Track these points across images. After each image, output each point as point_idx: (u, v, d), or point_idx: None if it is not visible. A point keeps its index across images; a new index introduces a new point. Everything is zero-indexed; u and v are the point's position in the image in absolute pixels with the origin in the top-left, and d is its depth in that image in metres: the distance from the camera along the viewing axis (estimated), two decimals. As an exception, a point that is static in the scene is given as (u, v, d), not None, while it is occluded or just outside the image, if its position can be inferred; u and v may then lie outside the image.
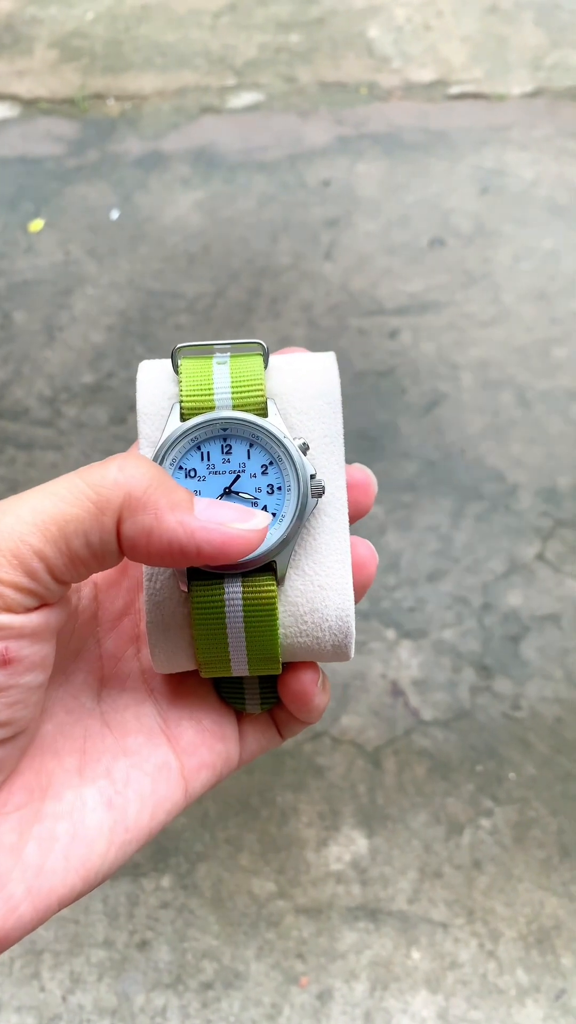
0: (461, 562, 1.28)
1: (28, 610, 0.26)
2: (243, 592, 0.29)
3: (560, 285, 1.67)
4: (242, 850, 1.05)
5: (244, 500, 0.29)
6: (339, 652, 0.31)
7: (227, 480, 0.29)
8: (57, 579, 0.26)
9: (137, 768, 0.30)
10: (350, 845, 1.05)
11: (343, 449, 0.31)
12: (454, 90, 2.16)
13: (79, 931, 1.00)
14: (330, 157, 1.98)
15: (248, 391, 0.30)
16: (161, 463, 0.29)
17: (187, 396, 0.29)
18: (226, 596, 0.29)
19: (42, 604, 0.26)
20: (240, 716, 0.34)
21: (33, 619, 0.26)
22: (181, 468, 0.29)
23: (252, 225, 1.82)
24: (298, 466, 0.29)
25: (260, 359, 0.31)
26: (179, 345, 0.31)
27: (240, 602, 0.29)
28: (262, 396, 0.30)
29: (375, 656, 1.19)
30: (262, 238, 1.80)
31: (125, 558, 0.28)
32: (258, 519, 0.28)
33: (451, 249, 1.75)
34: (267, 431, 0.29)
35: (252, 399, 0.30)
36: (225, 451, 0.29)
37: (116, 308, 1.67)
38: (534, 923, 0.99)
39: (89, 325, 1.65)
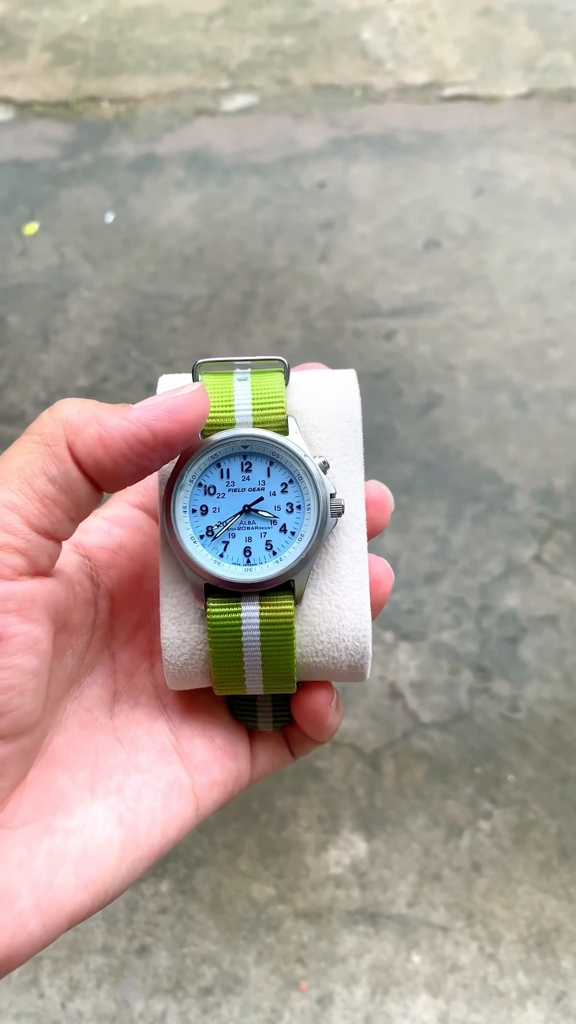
0: (458, 564, 1.28)
1: (17, 574, 0.25)
2: (260, 611, 0.29)
3: (555, 286, 1.67)
4: (241, 854, 1.04)
5: (264, 519, 0.29)
6: (355, 672, 0.31)
7: (246, 497, 0.29)
8: (35, 528, 0.25)
9: (149, 785, 0.29)
10: (349, 849, 1.04)
11: (363, 468, 0.31)
12: (448, 92, 2.16)
13: (78, 937, 0.99)
14: (324, 159, 1.98)
15: (269, 409, 0.29)
16: (180, 479, 0.29)
17: (213, 412, 0.29)
18: (243, 614, 0.29)
19: (32, 573, 0.26)
20: (252, 734, 0.33)
21: (18, 588, 0.25)
22: (201, 485, 0.29)
23: (247, 227, 1.82)
24: (318, 485, 0.29)
25: (281, 376, 0.30)
26: (200, 361, 0.31)
27: (257, 620, 0.29)
28: (283, 414, 0.30)
29: (373, 659, 1.19)
30: (257, 240, 1.80)
31: (104, 494, 0.28)
32: (188, 386, 0.28)
33: (446, 251, 1.76)
34: (288, 449, 0.29)
35: (273, 417, 0.29)
36: (245, 468, 0.29)
37: (111, 311, 1.67)
38: (534, 926, 0.99)
39: (84, 328, 1.64)
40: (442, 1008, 0.94)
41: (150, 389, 1.53)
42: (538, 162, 1.94)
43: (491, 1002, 0.94)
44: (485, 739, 1.12)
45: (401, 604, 1.24)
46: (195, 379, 0.31)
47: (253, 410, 0.29)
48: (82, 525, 0.33)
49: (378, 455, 1.41)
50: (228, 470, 0.29)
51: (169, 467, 0.30)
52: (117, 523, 0.34)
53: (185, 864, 1.04)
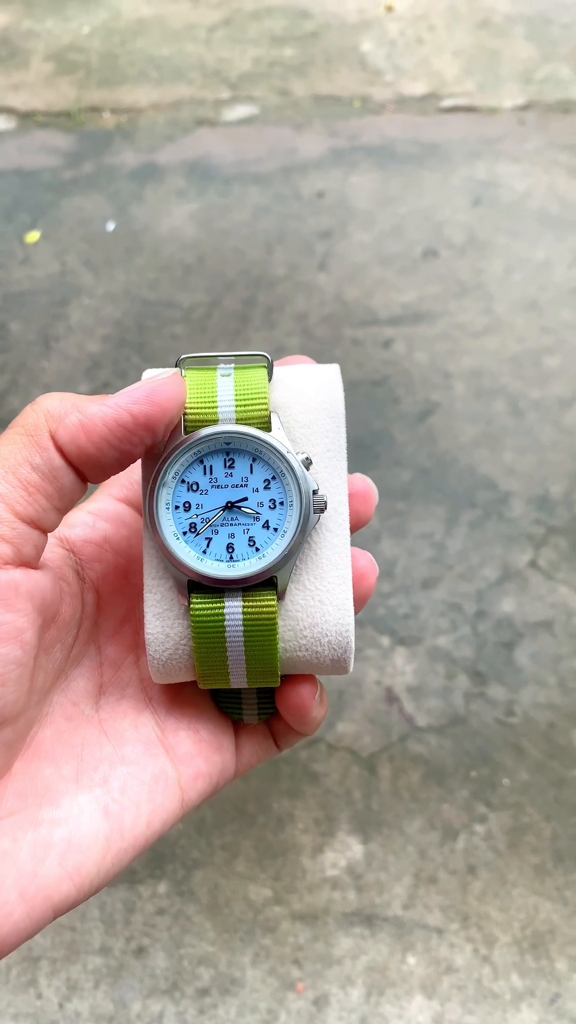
0: (455, 569, 1.30)
1: (2, 562, 0.25)
2: (243, 606, 0.29)
3: (551, 295, 1.69)
4: (238, 856, 1.05)
5: (247, 515, 0.29)
6: (338, 666, 0.31)
7: (229, 494, 0.29)
8: (20, 516, 0.26)
9: (134, 777, 0.30)
10: (345, 851, 1.05)
11: (346, 463, 0.32)
12: (446, 103, 2.18)
13: (76, 938, 1.00)
14: (324, 169, 2.00)
15: (252, 405, 0.30)
16: (163, 475, 0.29)
17: (191, 409, 0.29)
18: (226, 610, 0.29)
19: (17, 562, 0.26)
20: (237, 727, 0.34)
21: (1, 577, 0.25)
22: (184, 481, 0.29)
23: (247, 236, 1.84)
24: (300, 481, 0.29)
25: (264, 371, 0.31)
26: (183, 356, 0.31)
27: (240, 616, 0.29)
28: (266, 410, 0.30)
29: (370, 663, 1.20)
30: (257, 249, 1.81)
31: (90, 484, 0.28)
32: (163, 372, 0.29)
33: (444, 260, 1.77)
34: (270, 446, 0.29)
35: (256, 413, 0.30)
36: (228, 465, 0.29)
37: (112, 318, 1.69)
38: (528, 928, 1.00)
39: (85, 335, 1.66)
40: (437, 1009, 0.95)
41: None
42: (535, 172, 1.96)
43: (485, 1003, 0.95)
44: (481, 743, 1.13)
45: (398, 609, 1.25)
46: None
47: (236, 406, 0.30)
48: (67, 519, 0.33)
49: (376, 461, 1.43)
50: (211, 466, 0.29)
51: (152, 463, 0.30)
52: (102, 517, 0.34)
53: (183, 866, 1.05)
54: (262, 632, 0.29)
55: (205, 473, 0.29)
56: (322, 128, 2.12)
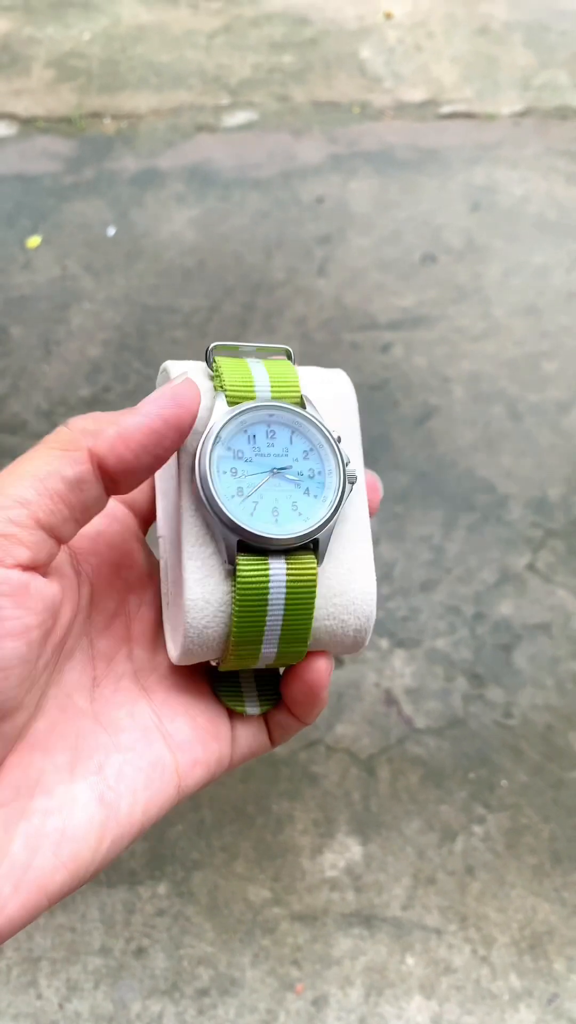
0: (453, 572, 1.30)
1: (17, 564, 0.26)
2: (287, 569, 0.30)
3: (549, 300, 1.70)
4: (237, 857, 1.06)
5: (290, 481, 0.31)
6: (359, 637, 0.32)
7: (272, 462, 0.30)
8: (41, 524, 0.26)
9: (130, 764, 0.30)
10: (344, 852, 1.06)
11: (361, 447, 0.33)
12: (445, 109, 2.20)
13: (76, 939, 1.01)
14: (323, 175, 2.01)
15: (286, 387, 0.32)
16: (214, 443, 0.30)
17: (231, 387, 0.31)
18: (271, 571, 0.29)
19: (32, 566, 0.27)
20: (232, 718, 0.34)
21: (13, 576, 0.26)
22: (229, 448, 0.30)
23: (246, 241, 1.85)
24: (338, 453, 0.31)
25: (290, 363, 0.33)
26: (214, 344, 0.32)
27: (284, 578, 0.29)
28: (299, 392, 0.32)
29: (369, 665, 1.21)
30: (256, 254, 1.82)
31: (109, 498, 0.29)
32: (178, 376, 0.30)
33: (442, 265, 1.78)
34: (310, 419, 0.31)
35: (289, 394, 0.32)
36: (270, 436, 0.31)
37: (112, 323, 1.69)
38: (526, 929, 1.00)
39: (86, 339, 1.67)
40: (435, 1010, 0.95)
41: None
42: (533, 178, 1.98)
43: (484, 1004, 0.96)
44: (479, 745, 1.14)
45: (396, 611, 1.26)
46: (208, 362, 0.32)
47: (271, 388, 0.31)
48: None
49: (374, 465, 1.43)
50: (254, 435, 0.31)
51: (191, 436, 0.31)
52: (100, 516, 0.34)
53: (182, 867, 1.05)
54: (303, 595, 0.30)
55: (249, 442, 0.30)
56: (321, 134, 2.13)
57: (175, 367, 0.32)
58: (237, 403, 0.31)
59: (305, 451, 0.31)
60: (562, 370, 1.57)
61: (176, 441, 0.29)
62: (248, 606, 0.29)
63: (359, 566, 0.32)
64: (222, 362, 0.32)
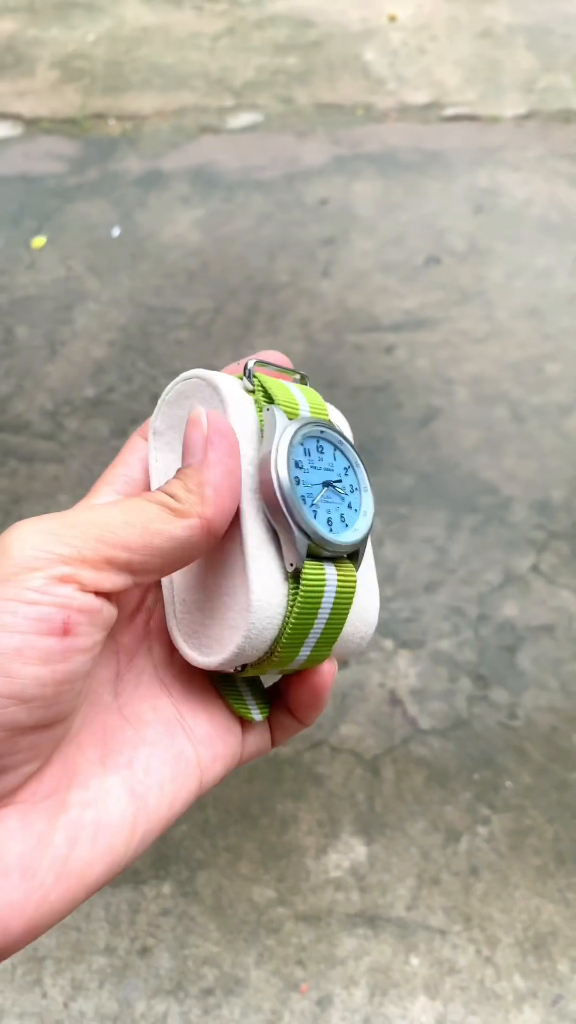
0: (457, 573, 1.31)
1: (98, 593, 0.27)
2: (337, 575, 0.31)
3: (552, 302, 1.70)
4: (242, 858, 1.06)
5: (338, 494, 0.33)
6: (363, 642, 0.34)
7: (323, 475, 0.32)
8: (133, 571, 0.28)
9: (157, 758, 0.30)
10: (349, 852, 1.06)
11: None
12: (448, 112, 2.20)
13: (81, 938, 1.01)
14: (327, 177, 2.01)
15: (319, 410, 0.34)
16: (288, 451, 0.31)
17: (284, 402, 0.33)
18: (327, 577, 0.31)
19: (108, 594, 0.28)
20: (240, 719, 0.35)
21: (95, 602, 0.27)
22: (293, 459, 0.32)
23: (250, 243, 1.86)
24: (367, 473, 0.34)
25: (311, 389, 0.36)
26: (256, 360, 0.34)
27: (335, 583, 0.31)
28: (327, 415, 0.34)
29: (373, 666, 1.21)
30: (260, 255, 1.83)
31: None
32: (201, 414, 0.31)
33: (445, 267, 1.79)
34: (348, 440, 0.34)
35: (323, 416, 0.34)
36: (319, 451, 0.33)
37: (117, 323, 1.70)
38: (531, 929, 1.00)
39: (90, 340, 1.67)
40: (440, 1010, 0.95)
41: (155, 400, 1.55)
42: (536, 181, 1.98)
43: (488, 1004, 0.96)
44: (483, 746, 1.14)
45: (400, 613, 1.26)
46: (250, 377, 0.33)
47: (310, 408, 0.33)
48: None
49: (378, 466, 1.44)
50: (309, 449, 0.32)
51: (245, 445, 0.32)
52: None
53: (187, 867, 1.05)
54: (346, 600, 0.32)
55: (305, 454, 0.32)
56: (325, 136, 2.14)
57: (222, 381, 0.33)
58: (293, 418, 0.32)
59: (345, 467, 0.33)
60: (565, 372, 1.58)
61: (239, 466, 0.31)
62: (307, 608, 0.31)
63: (367, 577, 0.34)
64: (265, 379, 0.33)
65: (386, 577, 1.30)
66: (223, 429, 0.30)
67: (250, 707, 0.34)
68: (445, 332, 1.66)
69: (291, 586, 0.31)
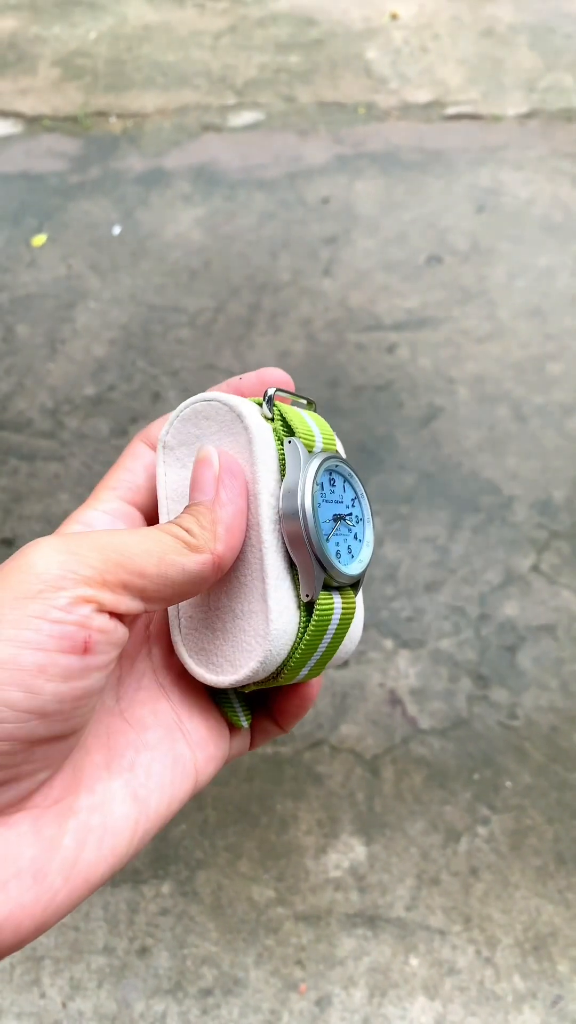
0: (458, 573, 1.30)
1: (114, 615, 0.28)
2: (342, 604, 0.33)
3: (554, 302, 1.70)
4: (241, 857, 1.06)
5: (347, 527, 0.34)
6: (347, 655, 0.36)
7: (335, 508, 0.34)
8: (145, 598, 0.29)
9: (157, 761, 0.32)
10: (348, 852, 1.06)
11: None
12: (450, 111, 2.20)
13: (79, 938, 1.00)
14: (329, 175, 2.01)
15: (330, 439, 0.35)
16: (313, 488, 0.32)
17: (303, 435, 0.34)
18: (334, 605, 0.33)
19: (124, 616, 0.29)
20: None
21: (111, 623, 0.28)
22: (315, 495, 0.33)
23: (252, 241, 1.85)
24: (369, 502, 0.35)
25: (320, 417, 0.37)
26: (275, 390, 0.35)
27: (340, 611, 0.33)
28: (335, 444, 0.36)
29: (373, 666, 1.21)
30: (262, 254, 1.83)
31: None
32: (209, 453, 0.33)
33: (448, 266, 1.79)
34: (355, 472, 0.36)
35: (333, 446, 0.35)
36: (332, 484, 0.34)
37: (118, 322, 1.70)
38: (531, 930, 1.00)
39: (91, 338, 1.67)
40: (439, 1011, 0.95)
41: (156, 399, 1.55)
42: (539, 180, 1.98)
43: (487, 1005, 0.95)
44: (483, 746, 1.14)
45: (401, 612, 1.26)
46: (271, 406, 0.34)
47: (323, 440, 0.35)
48: (82, 519, 0.35)
49: (380, 465, 1.43)
50: (323, 483, 0.33)
51: (268, 476, 0.33)
52: (119, 518, 0.35)
53: (186, 866, 1.05)
54: (346, 624, 0.34)
55: (320, 488, 0.33)
56: (327, 135, 2.13)
57: (246, 409, 0.33)
58: (310, 450, 0.34)
59: (353, 498, 0.35)
60: (567, 372, 1.57)
61: (247, 504, 0.32)
62: (317, 636, 0.33)
63: (358, 609, 0.36)
64: (284, 408, 0.34)
65: (387, 576, 1.30)
66: (234, 470, 0.32)
67: (239, 715, 0.35)
68: (447, 331, 1.65)
69: (303, 615, 0.32)
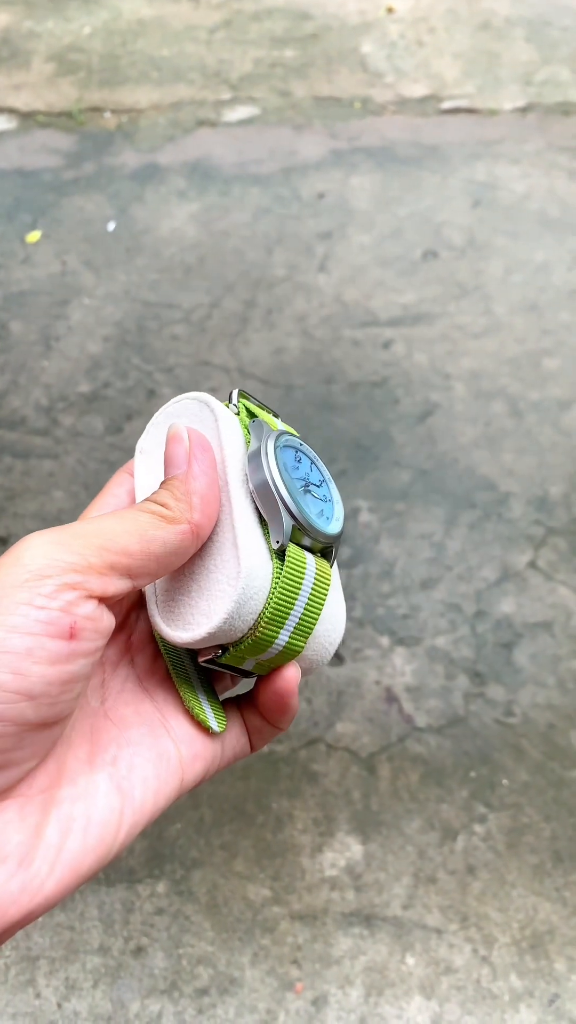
0: (454, 570, 1.30)
1: (102, 600, 0.29)
2: (316, 565, 0.34)
3: (550, 297, 1.69)
4: (237, 856, 1.05)
5: (315, 499, 0.36)
6: (331, 647, 0.37)
7: (304, 478, 0.36)
8: (132, 575, 0.30)
9: (140, 756, 0.32)
10: (345, 851, 1.05)
11: None
12: (446, 105, 2.19)
13: (74, 938, 1.00)
14: (324, 170, 2.00)
15: (294, 433, 0.38)
16: (277, 443, 0.35)
17: (267, 420, 0.37)
18: (307, 561, 0.34)
19: (109, 601, 0.30)
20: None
21: (97, 610, 0.29)
22: (279, 452, 0.35)
23: (247, 237, 1.84)
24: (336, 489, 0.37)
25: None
26: (239, 390, 0.38)
27: (314, 571, 0.34)
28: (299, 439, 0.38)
29: (369, 663, 1.20)
30: (257, 250, 1.82)
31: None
32: (180, 428, 0.35)
33: (443, 261, 1.78)
34: (319, 459, 0.38)
35: (297, 438, 0.38)
36: (298, 460, 0.36)
37: (112, 319, 1.69)
38: (527, 928, 1.00)
39: (86, 335, 1.66)
40: (436, 1010, 0.95)
41: (151, 396, 1.54)
42: (535, 174, 1.97)
43: (484, 1004, 0.95)
44: (480, 743, 1.13)
45: (397, 609, 1.25)
46: (232, 401, 0.37)
47: (286, 430, 0.37)
48: None
49: (375, 462, 1.43)
50: (289, 456, 0.36)
51: (234, 447, 0.35)
52: None
53: (181, 865, 1.05)
54: (321, 588, 0.34)
55: (288, 458, 0.35)
56: (322, 129, 2.12)
57: (211, 399, 0.37)
58: (273, 428, 0.36)
59: (320, 480, 0.37)
60: (563, 368, 1.57)
61: (217, 476, 0.34)
62: (291, 583, 0.33)
63: (335, 588, 0.37)
64: (246, 404, 0.37)
65: (383, 573, 1.29)
66: (204, 443, 0.34)
67: (208, 716, 0.35)
68: (443, 327, 1.65)
69: (276, 564, 0.33)
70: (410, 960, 0.98)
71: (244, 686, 0.38)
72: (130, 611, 0.37)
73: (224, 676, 0.38)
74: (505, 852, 1.05)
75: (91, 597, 0.28)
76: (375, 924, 1.00)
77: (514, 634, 1.23)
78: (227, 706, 0.37)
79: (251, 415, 0.37)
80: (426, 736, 1.14)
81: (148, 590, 0.36)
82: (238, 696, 0.38)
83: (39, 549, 0.28)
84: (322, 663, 0.37)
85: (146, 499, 0.32)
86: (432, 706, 1.17)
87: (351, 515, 1.35)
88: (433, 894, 1.02)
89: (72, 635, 0.28)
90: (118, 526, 0.30)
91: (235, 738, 0.36)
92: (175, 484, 0.33)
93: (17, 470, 1.45)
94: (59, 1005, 0.96)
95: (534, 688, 1.18)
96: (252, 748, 0.37)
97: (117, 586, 0.29)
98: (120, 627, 0.36)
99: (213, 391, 1.55)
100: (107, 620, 0.30)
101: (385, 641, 1.22)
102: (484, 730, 1.14)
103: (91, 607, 0.28)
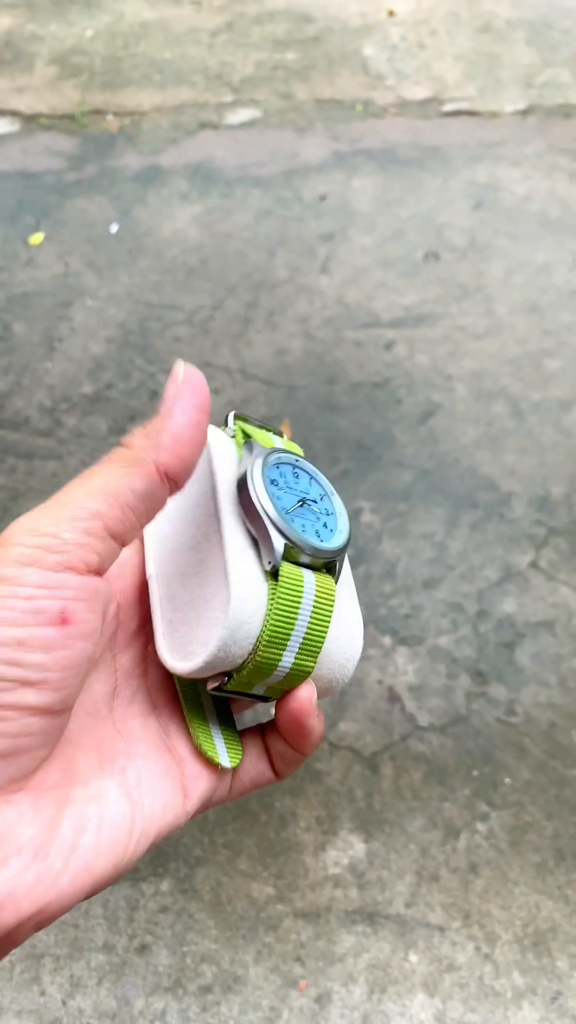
0: (456, 570, 1.30)
1: (88, 570, 0.28)
2: (316, 582, 0.33)
3: (552, 298, 1.70)
4: (241, 854, 1.06)
5: (314, 513, 0.35)
6: (346, 668, 0.35)
7: (300, 494, 0.35)
8: (112, 533, 0.29)
9: (146, 770, 0.32)
10: (348, 849, 1.06)
11: None
12: (448, 107, 2.20)
13: (79, 935, 1.00)
14: (326, 172, 2.01)
15: (294, 449, 0.37)
16: (263, 466, 0.34)
17: (261, 439, 0.36)
18: (304, 579, 0.33)
19: (98, 572, 0.29)
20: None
21: (87, 582, 0.28)
22: (268, 476, 0.34)
23: (249, 239, 1.85)
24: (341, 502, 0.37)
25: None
26: (235, 412, 0.37)
27: (314, 588, 0.33)
28: (301, 454, 0.38)
29: (372, 662, 1.21)
30: (259, 252, 1.82)
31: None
32: (181, 371, 0.33)
33: (445, 263, 1.78)
34: (320, 472, 0.37)
35: (298, 452, 0.37)
36: (295, 476, 0.35)
37: (115, 320, 1.69)
38: (530, 926, 1.00)
39: (88, 337, 1.67)
40: (439, 1007, 0.95)
41: (154, 397, 1.55)
42: (536, 176, 1.98)
43: (487, 1001, 0.96)
44: (482, 742, 1.14)
45: (399, 609, 1.26)
46: (227, 424, 0.37)
47: (285, 446, 0.37)
48: None
49: (377, 462, 1.43)
50: (284, 472, 0.35)
51: (225, 468, 0.34)
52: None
53: (185, 863, 1.05)
54: (325, 607, 0.33)
55: (282, 475, 0.35)
56: (324, 132, 2.13)
57: (211, 431, 0.36)
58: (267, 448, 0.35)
59: (321, 495, 0.36)
60: (564, 368, 1.57)
61: (207, 421, 0.32)
62: (287, 603, 0.32)
63: (348, 598, 0.36)
64: (244, 426, 0.37)
65: (385, 573, 1.30)
66: (195, 383, 0.31)
67: (218, 751, 0.34)
68: (444, 328, 1.65)
69: (271, 585, 0.32)
70: (413, 957, 0.98)
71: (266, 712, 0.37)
72: (148, 619, 0.36)
73: (242, 701, 0.36)
74: (507, 850, 1.05)
75: (75, 571, 0.27)
76: (378, 922, 1.01)
77: (516, 634, 1.23)
78: (250, 732, 0.36)
79: (247, 436, 0.36)
80: (428, 735, 1.15)
81: (155, 617, 0.35)
82: (261, 723, 0.36)
83: (17, 537, 0.28)
84: (341, 681, 0.35)
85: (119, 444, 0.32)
86: (434, 705, 1.17)
87: (353, 516, 1.35)
88: (436, 892, 1.03)
89: (64, 620, 0.27)
90: (80, 491, 0.29)
91: (252, 765, 0.35)
92: (151, 423, 0.31)
93: (21, 471, 1.46)
94: (64, 1002, 0.96)
95: (536, 687, 1.18)
96: (277, 775, 0.36)
97: (101, 550, 0.28)
98: (137, 635, 0.35)
99: (215, 392, 1.55)
100: (103, 592, 0.29)
101: (387, 641, 1.23)
102: (486, 729, 1.15)
103: (81, 582, 0.27)
